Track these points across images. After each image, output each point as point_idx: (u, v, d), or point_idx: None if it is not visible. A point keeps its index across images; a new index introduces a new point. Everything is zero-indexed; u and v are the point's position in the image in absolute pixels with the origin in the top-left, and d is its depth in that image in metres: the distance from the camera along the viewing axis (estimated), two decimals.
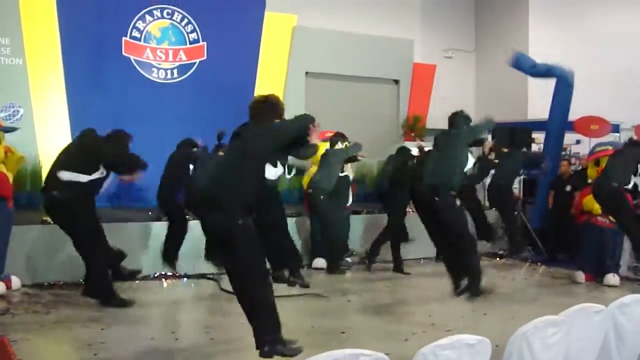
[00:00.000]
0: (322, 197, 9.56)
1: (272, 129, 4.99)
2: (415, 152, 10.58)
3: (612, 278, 9.62)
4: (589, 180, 11.23)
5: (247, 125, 5.20)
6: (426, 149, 9.77)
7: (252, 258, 4.96)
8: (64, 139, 11.50)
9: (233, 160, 4.97)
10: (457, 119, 7.33)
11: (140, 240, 9.69)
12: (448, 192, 6.65)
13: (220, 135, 9.14)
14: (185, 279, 9.58)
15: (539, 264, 11.60)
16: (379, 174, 13.27)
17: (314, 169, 10.42)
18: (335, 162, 9.92)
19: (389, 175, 10.48)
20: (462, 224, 6.78)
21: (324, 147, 11.24)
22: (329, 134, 11.85)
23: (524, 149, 11.43)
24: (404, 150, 10.82)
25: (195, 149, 9.43)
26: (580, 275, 10.07)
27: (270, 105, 5.07)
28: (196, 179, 8.22)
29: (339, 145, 10.11)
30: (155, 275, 9.65)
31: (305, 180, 10.75)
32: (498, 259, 11.97)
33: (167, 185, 9.26)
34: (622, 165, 9.07)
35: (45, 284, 8.80)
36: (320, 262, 10.53)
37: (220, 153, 8.69)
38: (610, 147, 10.50)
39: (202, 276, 9.73)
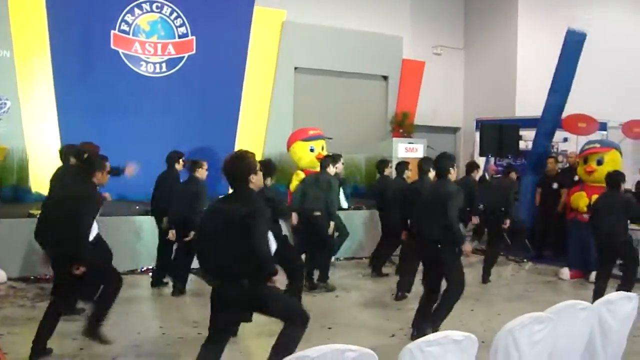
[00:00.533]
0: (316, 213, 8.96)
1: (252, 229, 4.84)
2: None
3: None
4: (576, 178, 11.34)
5: (227, 200, 5.12)
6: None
7: (287, 307, 5.09)
8: (52, 132, 11.52)
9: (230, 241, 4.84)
10: (444, 162, 6.75)
11: (126, 233, 9.66)
12: (451, 247, 6.58)
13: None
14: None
15: (525, 260, 11.64)
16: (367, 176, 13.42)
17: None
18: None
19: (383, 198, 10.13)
20: (460, 280, 6.70)
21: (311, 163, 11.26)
22: (312, 132, 11.86)
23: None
24: (402, 165, 10.17)
25: (181, 161, 9.19)
26: (566, 272, 10.13)
27: (243, 165, 4.95)
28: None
29: (330, 169, 9.20)
30: (142, 270, 9.64)
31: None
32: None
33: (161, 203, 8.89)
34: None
35: (32, 277, 8.77)
36: None
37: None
38: (599, 145, 10.56)
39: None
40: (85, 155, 6.46)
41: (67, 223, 5.72)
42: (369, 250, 10.99)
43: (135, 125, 12.19)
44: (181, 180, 8.87)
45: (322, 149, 11.68)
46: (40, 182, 10.10)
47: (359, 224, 11.59)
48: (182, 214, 8.29)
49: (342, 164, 10.26)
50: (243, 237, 4.68)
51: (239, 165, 4.91)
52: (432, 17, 17.00)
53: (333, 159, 9.38)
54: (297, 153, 11.68)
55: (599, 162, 10.23)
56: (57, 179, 7.68)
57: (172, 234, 8.45)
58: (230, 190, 5.10)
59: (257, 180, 4.95)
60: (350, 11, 15.21)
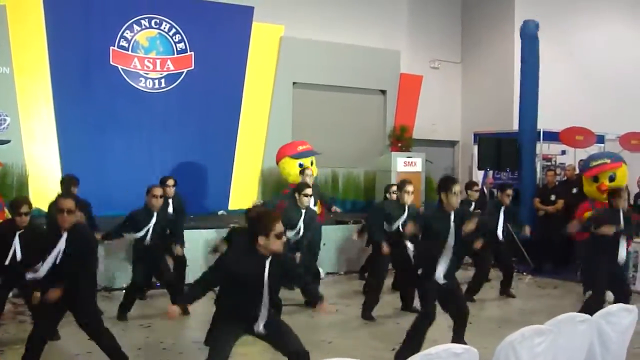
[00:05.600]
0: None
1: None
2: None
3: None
4: (574, 191, 11.30)
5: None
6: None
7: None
8: (51, 148, 11.55)
9: None
10: (447, 184, 6.60)
11: (127, 251, 9.64)
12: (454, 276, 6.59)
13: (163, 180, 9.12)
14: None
15: (524, 273, 11.64)
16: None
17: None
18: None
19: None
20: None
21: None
22: (301, 147, 11.83)
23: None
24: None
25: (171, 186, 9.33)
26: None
27: (253, 225, 5.04)
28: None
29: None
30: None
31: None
32: None
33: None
34: None
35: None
36: None
37: None
38: (609, 161, 10.11)
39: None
40: None
41: None
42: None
43: (134, 141, 12.24)
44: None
45: (312, 163, 11.64)
46: (39, 198, 10.09)
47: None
48: None
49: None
50: None
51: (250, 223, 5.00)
52: (429, 32, 17.07)
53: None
54: (286, 169, 11.68)
55: (612, 179, 9.89)
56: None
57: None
58: None
59: (264, 243, 4.84)
60: (347, 26, 15.28)
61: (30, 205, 6.95)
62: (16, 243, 6.72)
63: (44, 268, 5.69)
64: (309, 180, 9.97)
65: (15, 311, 8.07)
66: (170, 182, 9.39)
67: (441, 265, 6.28)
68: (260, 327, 4.91)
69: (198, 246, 10.00)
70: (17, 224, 6.78)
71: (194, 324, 7.93)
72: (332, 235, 11.30)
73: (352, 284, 10.62)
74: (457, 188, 6.31)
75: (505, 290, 9.87)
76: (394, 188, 9.16)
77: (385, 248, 8.40)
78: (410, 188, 8.42)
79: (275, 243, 4.82)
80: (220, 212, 12.67)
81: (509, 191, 9.90)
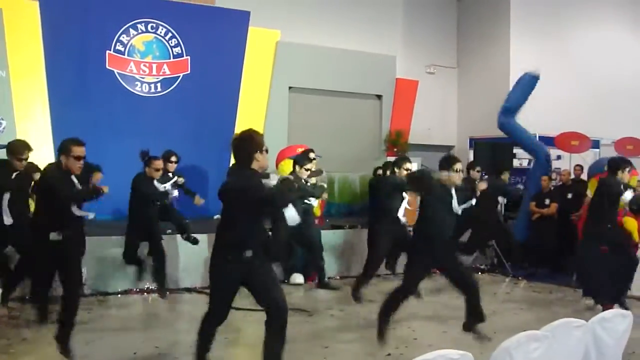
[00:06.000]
0: None
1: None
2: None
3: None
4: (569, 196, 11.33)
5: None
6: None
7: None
8: (47, 151, 11.51)
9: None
10: (449, 162, 6.77)
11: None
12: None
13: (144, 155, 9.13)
14: (167, 292, 9.50)
15: (520, 278, 11.66)
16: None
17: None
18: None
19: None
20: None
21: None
22: (301, 150, 11.89)
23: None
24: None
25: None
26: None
27: (245, 141, 5.11)
28: None
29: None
30: (137, 290, 9.61)
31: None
32: (480, 273, 12.00)
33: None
34: None
35: (27, 297, 8.73)
36: (298, 278, 10.47)
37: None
38: None
39: (187, 290, 9.74)
40: None
41: None
42: (362, 269, 10.98)
43: (130, 145, 12.13)
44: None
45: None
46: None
47: (352, 243, 11.61)
48: None
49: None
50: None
51: (239, 143, 5.11)
52: (425, 37, 17.12)
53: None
54: (285, 171, 11.69)
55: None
56: None
57: None
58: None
59: (262, 159, 5.11)
60: (343, 31, 15.32)
61: (31, 149, 7.54)
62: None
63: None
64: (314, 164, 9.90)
65: (9, 315, 8.04)
66: (174, 158, 9.66)
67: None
68: (249, 253, 5.03)
69: (193, 250, 9.97)
70: (14, 168, 7.18)
71: (190, 327, 7.92)
72: (327, 240, 11.28)
73: (348, 288, 10.60)
74: (458, 166, 6.42)
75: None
76: (408, 165, 8.89)
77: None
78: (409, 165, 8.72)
79: (266, 157, 5.23)
80: (216, 217, 12.59)
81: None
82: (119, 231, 9.92)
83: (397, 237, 8.78)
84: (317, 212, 10.74)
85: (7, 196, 7.54)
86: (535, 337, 3.97)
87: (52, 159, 11.33)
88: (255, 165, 5.06)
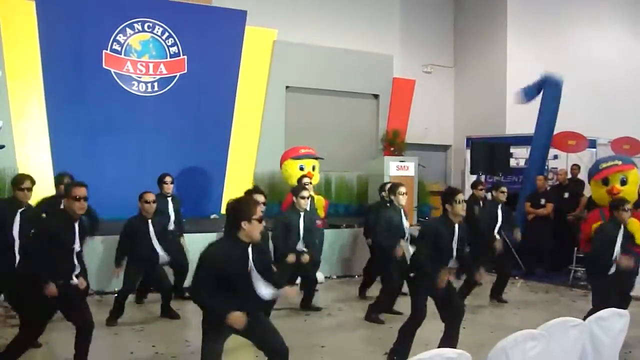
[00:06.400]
0: None
1: None
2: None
3: None
4: (566, 195, 11.32)
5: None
6: None
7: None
8: (44, 152, 11.52)
9: None
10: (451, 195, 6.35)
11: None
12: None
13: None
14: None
15: (517, 277, 11.67)
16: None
17: None
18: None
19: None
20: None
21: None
22: (304, 151, 11.91)
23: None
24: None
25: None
26: None
27: (235, 209, 4.91)
28: None
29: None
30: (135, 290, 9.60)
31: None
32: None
33: None
34: None
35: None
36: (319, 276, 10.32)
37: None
38: (620, 162, 9.48)
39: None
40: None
41: None
42: (358, 268, 11.01)
43: (127, 145, 12.21)
44: None
45: (313, 168, 11.70)
46: (32, 202, 10.04)
47: (349, 243, 11.63)
48: None
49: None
50: None
51: (233, 210, 4.90)
52: (421, 36, 17.14)
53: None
54: (288, 170, 11.72)
55: (623, 182, 9.23)
56: None
57: None
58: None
59: (249, 229, 4.81)
60: (340, 31, 15.33)
61: (33, 181, 7.07)
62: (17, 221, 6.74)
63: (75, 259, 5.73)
64: (309, 189, 9.93)
65: (6, 315, 8.03)
66: (168, 179, 9.42)
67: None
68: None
69: (190, 250, 9.96)
70: (19, 200, 6.81)
71: (187, 327, 7.93)
72: (325, 239, 11.29)
73: (345, 288, 10.63)
74: (460, 197, 6.30)
75: (496, 296, 9.87)
76: (402, 189, 8.59)
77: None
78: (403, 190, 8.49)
79: (257, 227, 4.82)
80: (212, 216, 12.67)
81: (503, 188, 9.90)
82: (116, 230, 9.93)
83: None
84: (322, 213, 10.73)
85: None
86: (532, 336, 3.99)
87: (49, 159, 11.42)
88: (241, 235, 4.83)
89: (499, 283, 9.88)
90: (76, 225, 5.74)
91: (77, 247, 5.74)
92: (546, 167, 14.31)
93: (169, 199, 9.34)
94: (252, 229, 4.81)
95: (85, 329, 5.76)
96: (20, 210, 6.83)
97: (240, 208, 4.86)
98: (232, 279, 4.78)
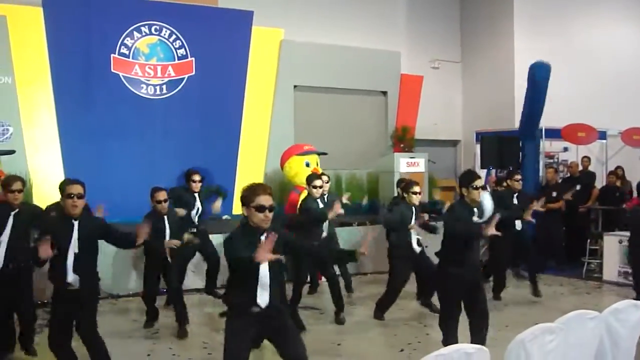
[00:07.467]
0: None
1: None
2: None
3: None
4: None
5: None
6: None
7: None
8: (54, 156, 11.57)
9: None
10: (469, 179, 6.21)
11: (130, 256, 9.67)
12: None
13: None
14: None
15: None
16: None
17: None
18: None
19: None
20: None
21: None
22: (307, 147, 11.91)
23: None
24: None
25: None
26: None
27: (240, 196, 4.86)
28: None
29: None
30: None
31: None
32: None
33: None
34: None
35: (39, 302, 8.76)
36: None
37: None
38: None
39: (198, 291, 9.75)
40: None
41: None
42: (373, 266, 11.01)
43: (137, 148, 12.24)
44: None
45: (317, 164, 11.69)
46: (44, 207, 10.08)
47: (361, 240, 11.60)
48: None
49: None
50: None
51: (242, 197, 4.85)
52: (428, 32, 17.10)
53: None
54: (294, 168, 11.70)
55: None
56: None
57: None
58: None
59: (251, 215, 4.74)
60: (347, 28, 15.31)
61: (24, 182, 6.78)
62: (9, 223, 6.50)
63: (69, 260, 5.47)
64: (324, 179, 9.61)
65: None
66: (197, 177, 9.22)
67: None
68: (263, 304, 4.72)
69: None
70: (10, 203, 6.52)
71: (203, 328, 7.94)
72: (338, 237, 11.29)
73: (359, 285, 10.62)
74: (478, 183, 6.14)
75: (497, 294, 9.76)
76: (416, 188, 8.46)
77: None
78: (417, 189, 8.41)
79: (256, 216, 4.71)
80: (224, 217, 12.67)
81: (518, 176, 9.87)
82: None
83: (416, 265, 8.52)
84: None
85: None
86: (549, 330, 3.98)
87: (60, 164, 11.47)
88: (250, 220, 4.77)
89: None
90: (75, 225, 5.54)
91: (74, 248, 5.51)
92: (556, 160, 14.28)
93: (196, 194, 9.24)
94: (252, 216, 4.72)
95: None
96: (13, 213, 6.63)
97: (243, 194, 4.84)
98: (244, 265, 4.68)
